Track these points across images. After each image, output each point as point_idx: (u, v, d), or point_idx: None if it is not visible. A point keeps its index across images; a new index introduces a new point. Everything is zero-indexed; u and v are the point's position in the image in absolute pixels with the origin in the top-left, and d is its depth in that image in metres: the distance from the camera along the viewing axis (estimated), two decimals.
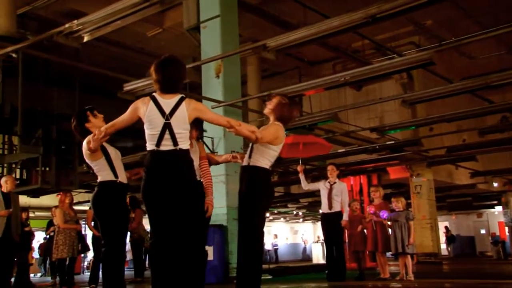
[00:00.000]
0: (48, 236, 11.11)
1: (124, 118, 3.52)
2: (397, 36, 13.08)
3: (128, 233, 6.74)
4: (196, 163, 4.43)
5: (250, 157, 3.94)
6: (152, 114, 3.41)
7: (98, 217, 4.08)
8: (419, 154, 13.78)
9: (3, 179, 7.86)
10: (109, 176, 4.02)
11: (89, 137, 3.53)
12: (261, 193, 3.93)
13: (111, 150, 4.10)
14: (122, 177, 4.10)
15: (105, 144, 3.97)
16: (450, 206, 22.43)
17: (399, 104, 12.10)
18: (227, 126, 3.54)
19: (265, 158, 3.93)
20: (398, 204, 7.28)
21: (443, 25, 12.77)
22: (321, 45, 11.48)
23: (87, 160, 4.06)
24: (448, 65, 13.42)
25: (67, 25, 6.63)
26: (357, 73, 7.45)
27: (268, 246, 24.87)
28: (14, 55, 8.53)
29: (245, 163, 4.00)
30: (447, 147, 13.98)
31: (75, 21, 6.60)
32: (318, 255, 21.55)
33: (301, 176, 7.74)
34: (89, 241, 9.20)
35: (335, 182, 7.47)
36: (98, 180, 4.07)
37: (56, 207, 8.86)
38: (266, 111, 4.13)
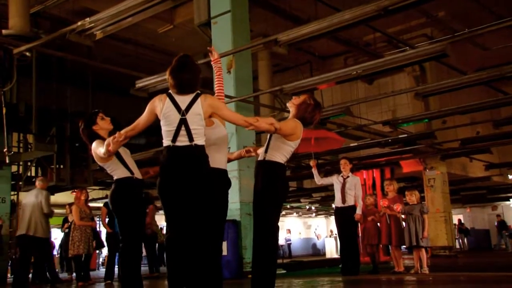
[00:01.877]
0: (63, 233, 11.25)
1: (143, 121, 3.56)
2: (409, 28, 12.96)
3: None
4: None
5: (266, 152, 3.94)
6: (169, 110, 3.46)
7: (116, 213, 4.12)
8: (432, 147, 13.67)
9: (42, 179, 7.98)
10: (125, 173, 4.06)
11: (109, 139, 3.55)
12: (276, 188, 3.91)
13: (120, 149, 4.12)
14: (137, 173, 4.14)
15: None
16: (465, 199, 22.21)
17: (411, 97, 12.03)
18: (245, 126, 3.50)
19: (281, 154, 3.92)
20: (412, 197, 7.23)
21: (456, 17, 12.62)
22: (332, 39, 11.44)
23: (99, 163, 4.11)
24: (461, 57, 13.26)
25: (79, 23, 6.70)
26: (369, 66, 7.42)
27: (281, 241, 24.88)
28: (28, 53, 8.64)
29: (260, 157, 3.99)
30: (461, 139, 13.84)
31: (87, 19, 6.66)
32: (332, 250, 21.57)
33: (314, 171, 7.75)
34: (103, 237, 9.32)
35: (348, 176, 7.46)
36: (115, 178, 4.11)
37: (71, 204, 8.96)
38: (289, 104, 4.10)
